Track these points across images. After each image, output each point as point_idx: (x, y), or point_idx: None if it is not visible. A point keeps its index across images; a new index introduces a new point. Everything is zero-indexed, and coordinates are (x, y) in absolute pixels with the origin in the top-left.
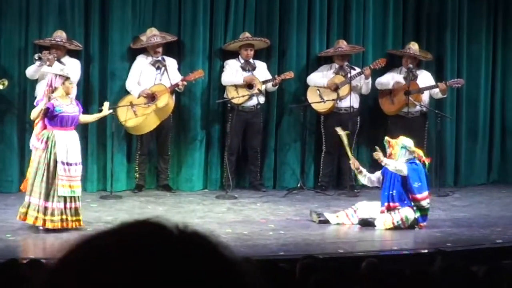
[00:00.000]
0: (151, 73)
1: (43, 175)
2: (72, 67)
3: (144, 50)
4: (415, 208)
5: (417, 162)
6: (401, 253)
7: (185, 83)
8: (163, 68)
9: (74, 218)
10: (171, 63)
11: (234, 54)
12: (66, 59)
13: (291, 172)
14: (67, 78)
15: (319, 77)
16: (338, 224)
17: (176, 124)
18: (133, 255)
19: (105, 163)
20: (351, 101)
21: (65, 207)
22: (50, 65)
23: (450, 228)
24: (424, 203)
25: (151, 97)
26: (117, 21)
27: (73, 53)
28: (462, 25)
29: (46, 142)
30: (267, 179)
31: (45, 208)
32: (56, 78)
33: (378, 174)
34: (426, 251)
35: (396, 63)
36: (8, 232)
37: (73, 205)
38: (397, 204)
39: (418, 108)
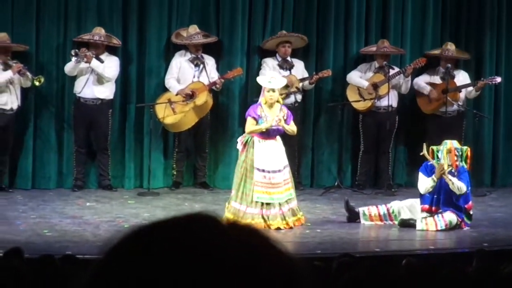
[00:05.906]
0: (190, 70)
1: (239, 177)
2: (111, 65)
3: (182, 47)
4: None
5: (466, 168)
6: (439, 253)
7: (223, 81)
8: (201, 66)
9: (294, 219)
10: (209, 61)
11: (272, 53)
12: (105, 56)
13: (328, 170)
14: (270, 89)
15: (359, 76)
16: (365, 216)
17: (214, 122)
18: (186, 245)
19: (142, 160)
20: (390, 100)
21: (265, 213)
22: (87, 62)
23: (487, 228)
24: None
25: (190, 95)
26: (155, 19)
27: (111, 50)
28: (501, 26)
29: (245, 145)
30: (305, 177)
31: (238, 211)
32: (263, 88)
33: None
34: (465, 250)
35: (433, 63)
36: (46, 228)
37: (286, 209)
38: (439, 208)
39: (455, 107)
